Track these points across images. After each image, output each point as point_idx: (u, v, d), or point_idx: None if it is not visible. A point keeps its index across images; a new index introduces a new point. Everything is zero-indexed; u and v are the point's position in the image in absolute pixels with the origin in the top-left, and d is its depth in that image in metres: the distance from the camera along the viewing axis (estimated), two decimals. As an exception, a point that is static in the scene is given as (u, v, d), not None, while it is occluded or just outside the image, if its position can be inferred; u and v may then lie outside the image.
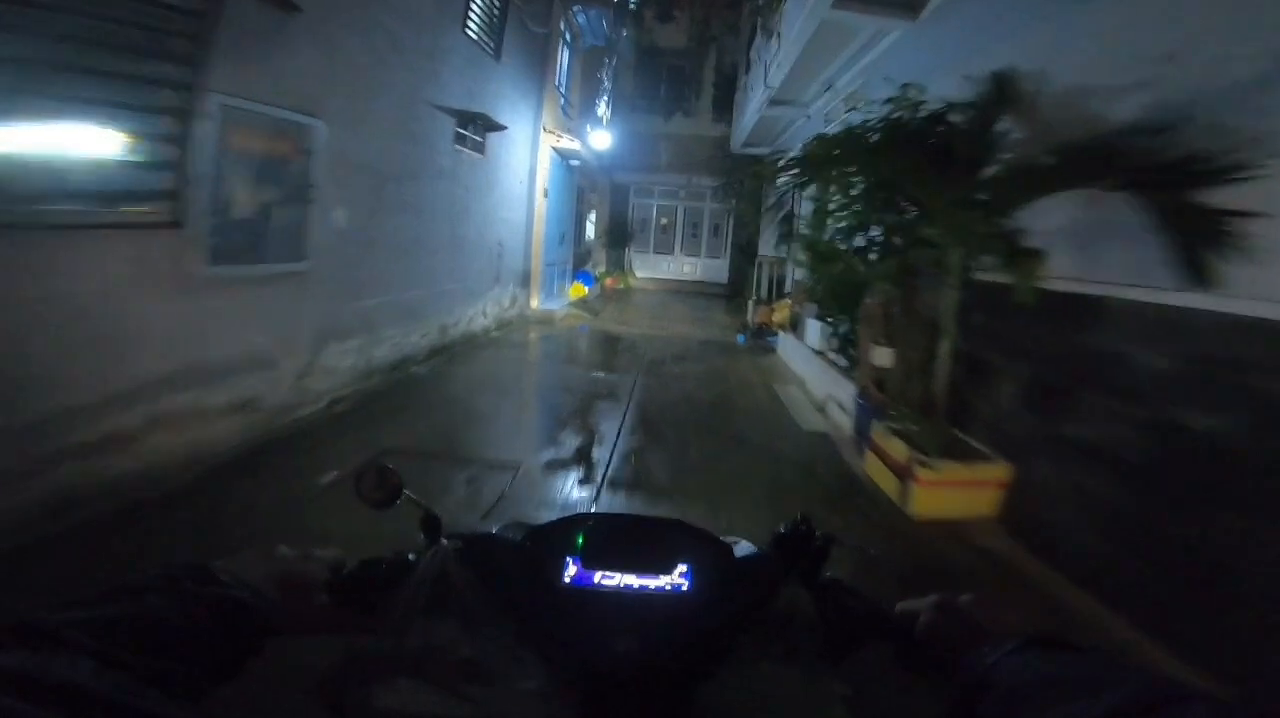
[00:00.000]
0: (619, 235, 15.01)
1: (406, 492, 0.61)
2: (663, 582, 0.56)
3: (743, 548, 0.62)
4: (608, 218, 15.09)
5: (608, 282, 14.19)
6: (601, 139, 11.29)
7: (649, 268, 15.73)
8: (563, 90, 9.82)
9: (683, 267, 15.80)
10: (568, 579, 0.56)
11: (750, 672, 0.55)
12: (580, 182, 11.88)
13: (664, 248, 15.82)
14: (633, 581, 0.56)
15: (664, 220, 15.77)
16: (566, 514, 0.61)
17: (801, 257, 4.30)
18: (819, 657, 0.57)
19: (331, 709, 0.49)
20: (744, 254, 13.48)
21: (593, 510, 1.00)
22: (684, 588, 0.56)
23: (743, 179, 11.35)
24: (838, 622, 0.59)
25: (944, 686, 0.49)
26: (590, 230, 14.48)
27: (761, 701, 0.55)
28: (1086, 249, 2.53)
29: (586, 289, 11.12)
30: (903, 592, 0.61)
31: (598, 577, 0.56)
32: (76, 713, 0.31)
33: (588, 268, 12.31)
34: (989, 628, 0.52)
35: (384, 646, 0.51)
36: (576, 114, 10.84)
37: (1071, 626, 2.14)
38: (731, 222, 15.27)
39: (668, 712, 0.54)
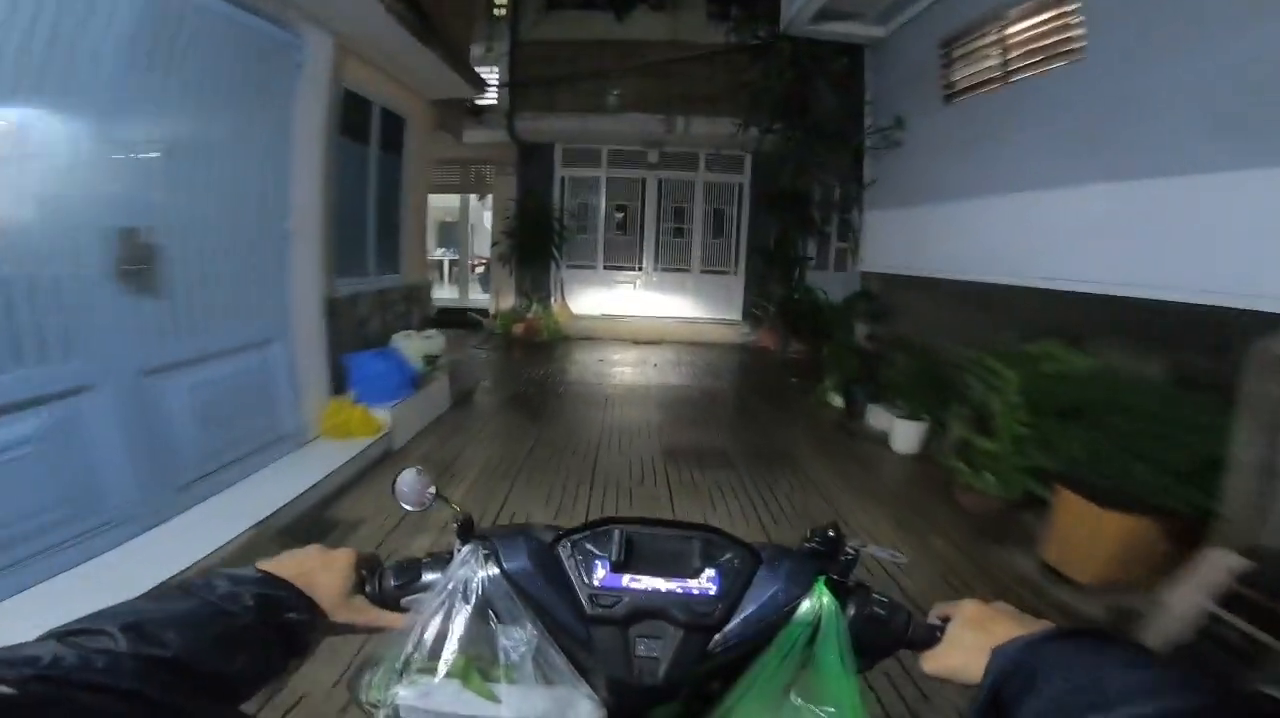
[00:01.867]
0: (535, 241, 9.02)
1: (440, 494, 0.70)
2: (691, 586, 0.63)
3: (772, 554, 0.67)
4: (512, 208, 9.19)
5: (518, 328, 8.36)
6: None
7: (594, 297, 10.07)
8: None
9: (658, 295, 10.12)
10: (597, 582, 0.62)
11: (777, 678, 0.60)
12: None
13: (621, 258, 10.08)
14: (661, 585, 0.62)
15: (619, 208, 9.96)
16: (597, 518, 0.65)
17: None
18: (846, 664, 0.60)
19: (364, 708, 0.57)
20: (780, 265, 7.94)
21: (624, 514, 1.04)
22: (711, 593, 0.62)
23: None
24: (867, 628, 0.64)
25: (975, 683, 0.53)
26: (477, 235, 8.62)
27: (787, 707, 0.59)
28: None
29: (377, 411, 3.95)
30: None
31: (626, 580, 0.62)
32: (124, 714, 0.38)
33: (401, 338, 4.79)
34: (1011, 626, 0.56)
35: (417, 645, 0.57)
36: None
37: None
38: (745, 205, 9.66)
39: (695, 716, 0.62)
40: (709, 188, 9.79)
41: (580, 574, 0.63)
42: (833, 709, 0.58)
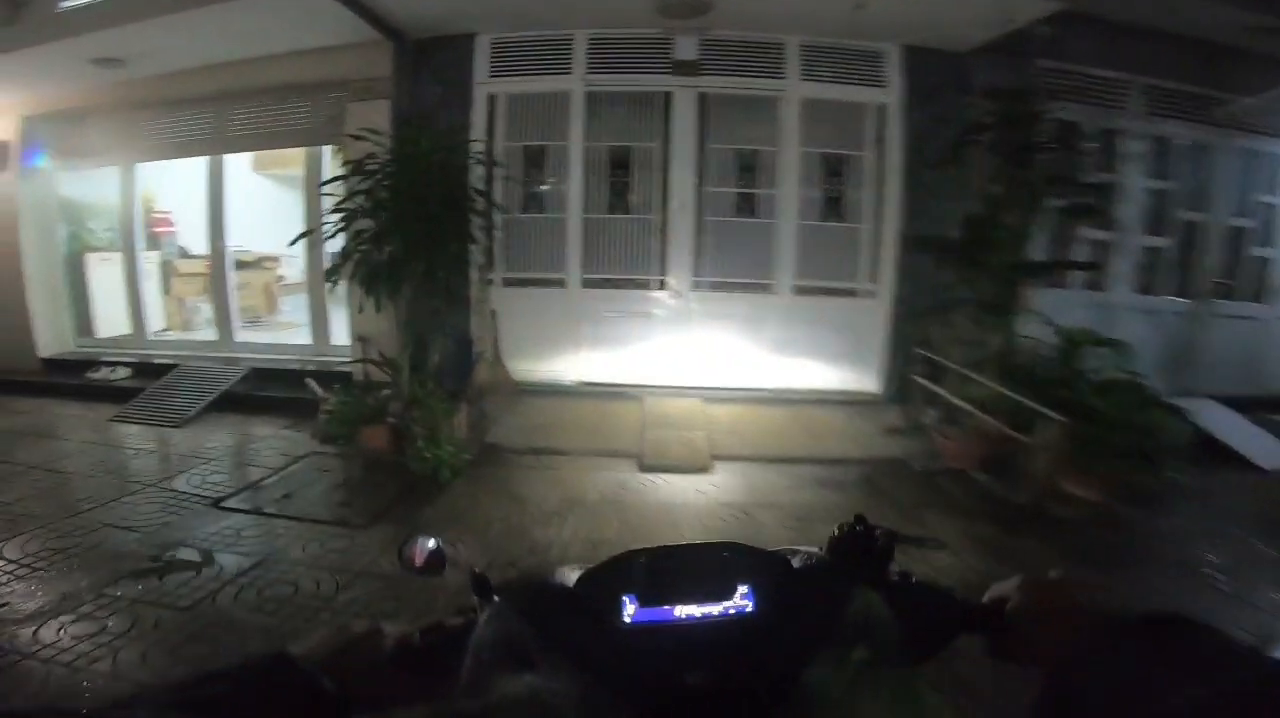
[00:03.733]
0: (423, 226, 4.38)
1: (450, 554, 0.76)
2: (726, 607, 0.67)
3: (801, 558, 0.74)
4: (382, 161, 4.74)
5: (372, 435, 3.96)
6: None
7: (562, 345, 5.58)
8: None
9: (699, 338, 5.53)
10: (628, 618, 0.66)
11: (828, 685, 0.63)
12: None
13: (620, 264, 5.55)
14: (695, 610, 0.66)
15: (616, 161, 5.45)
16: (615, 554, 0.69)
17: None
18: (901, 659, 0.64)
19: None
20: (986, 277, 3.57)
21: (641, 547, 0.72)
22: (748, 610, 0.67)
23: None
24: (916, 619, 0.68)
25: (1040, 673, 0.55)
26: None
27: (844, 712, 0.61)
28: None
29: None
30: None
31: (659, 611, 0.66)
32: None
33: None
34: (1085, 606, 0.59)
35: (460, 709, 0.61)
36: None
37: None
38: (895, 151, 5.10)
39: None
40: (812, 114, 5.24)
41: (610, 613, 0.65)
42: (895, 708, 0.61)
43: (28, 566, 2.88)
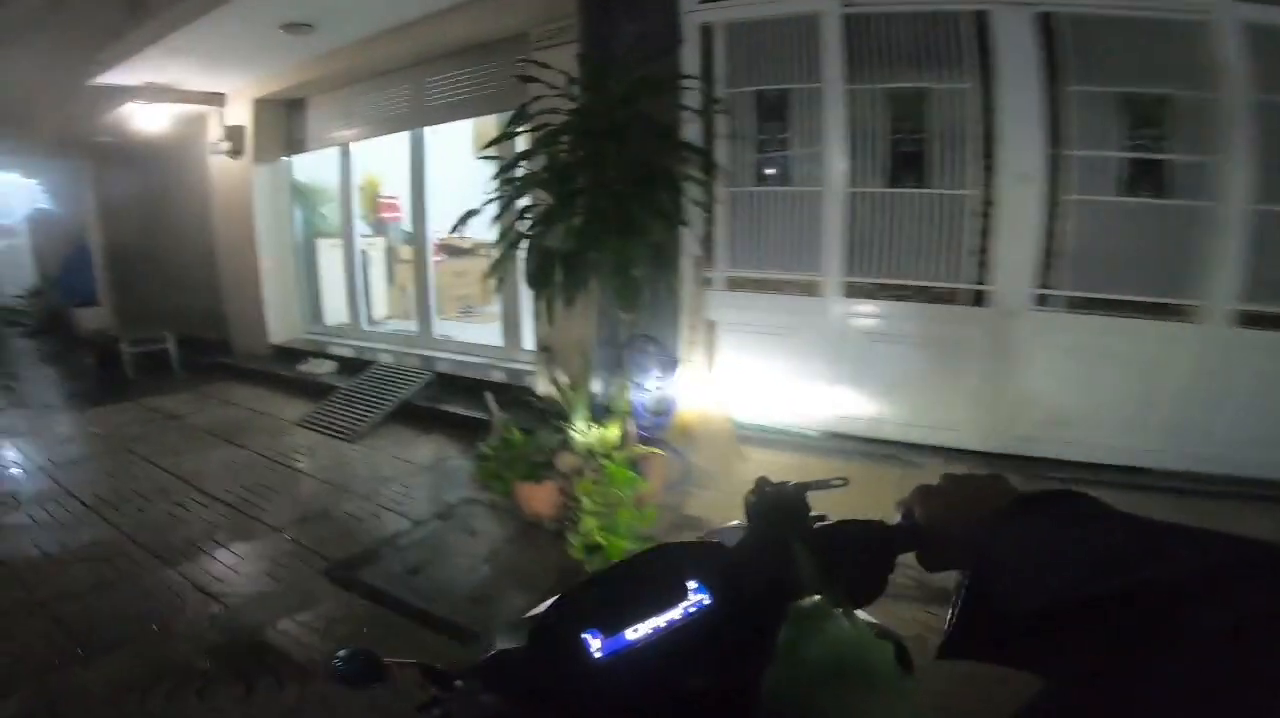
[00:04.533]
0: (614, 206, 3.30)
1: (390, 660, 0.73)
2: (686, 607, 0.69)
3: (729, 534, 0.78)
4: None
5: (533, 495, 3.00)
6: None
7: (809, 383, 4.00)
8: None
9: (1050, 396, 3.51)
10: (598, 654, 0.66)
11: (799, 646, 0.68)
12: None
13: (915, 263, 3.70)
14: (659, 621, 0.68)
15: (900, 118, 3.74)
16: (554, 598, 0.72)
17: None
18: (848, 601, 0.70)
19: None
20: None
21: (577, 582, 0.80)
22: (706, 603, 0.70)
23: None
24: (852, 559, 0.72)
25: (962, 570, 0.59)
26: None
27: (822, 672, 0.67)
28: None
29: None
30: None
31: (626, 636, 0.67)
32: None
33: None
34: (978, 501, 0.64)
35: None
36: None
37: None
38: None
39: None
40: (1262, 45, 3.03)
41: (576, 656, 0.66)
42: (859, 650, 0.66)
43: None
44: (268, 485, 3.91)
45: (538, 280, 3.20)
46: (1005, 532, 0.55)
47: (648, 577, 0.72)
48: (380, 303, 7.62)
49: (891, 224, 3.68)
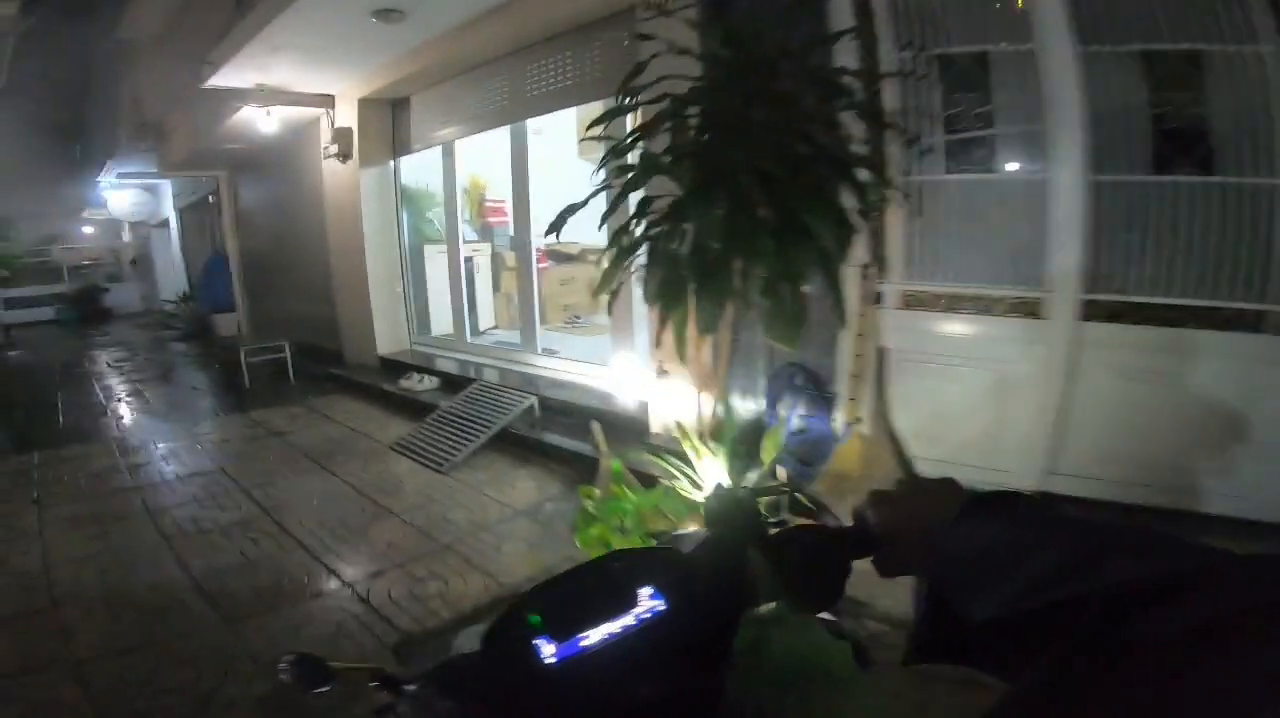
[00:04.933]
0: (757, 204, 2.52)
1: (337, 665, 0.76)
2: (640, 613, 0.67)
3: (688, 541, 0.80)
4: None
5: None
6: None
7: (1018, 429, 2.94)
8: None
9: None
10: (550, 660, 0.65)
11: (757, 649, 0.71)
12: None
13: (1189, 275, 2.61)
14: (612, 627, 0.66)
15: (1163, 87, 2.64)
16: (507, 603, 0.73)
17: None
18: (803, 607, 0.70)
19: None
20: None
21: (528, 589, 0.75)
22: (661, 608, 0.68)
23: None
24: (810, 562, 0.72)
25: (918, 577, 0.61)
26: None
27: (781, 674, 0.69)
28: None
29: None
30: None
31: (579, 642, 0.66)
32: None
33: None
34: (930, 506, 0.64)
35: None
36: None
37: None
38: None
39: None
40: None
41: (529, 662, 0.65)
42: (817, 653, 0.68)
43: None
44: (350, 526, 3.45)
45: (663, 298, 2.48)
46: (957, 538, 0.56)
47: (601, 583, 0.70)
48: (486, 313, 7.28)
49: (1148, 224, 2.59)
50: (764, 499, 0.80)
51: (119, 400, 6.86)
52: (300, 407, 5.93)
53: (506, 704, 0.64)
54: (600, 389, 4.69)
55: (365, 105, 6.32)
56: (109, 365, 9.58)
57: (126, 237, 18.99)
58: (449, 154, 6.11)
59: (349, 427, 5.21)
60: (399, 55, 5.35)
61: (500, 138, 5.40)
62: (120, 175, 13.31)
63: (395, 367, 6.38)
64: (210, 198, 11.31)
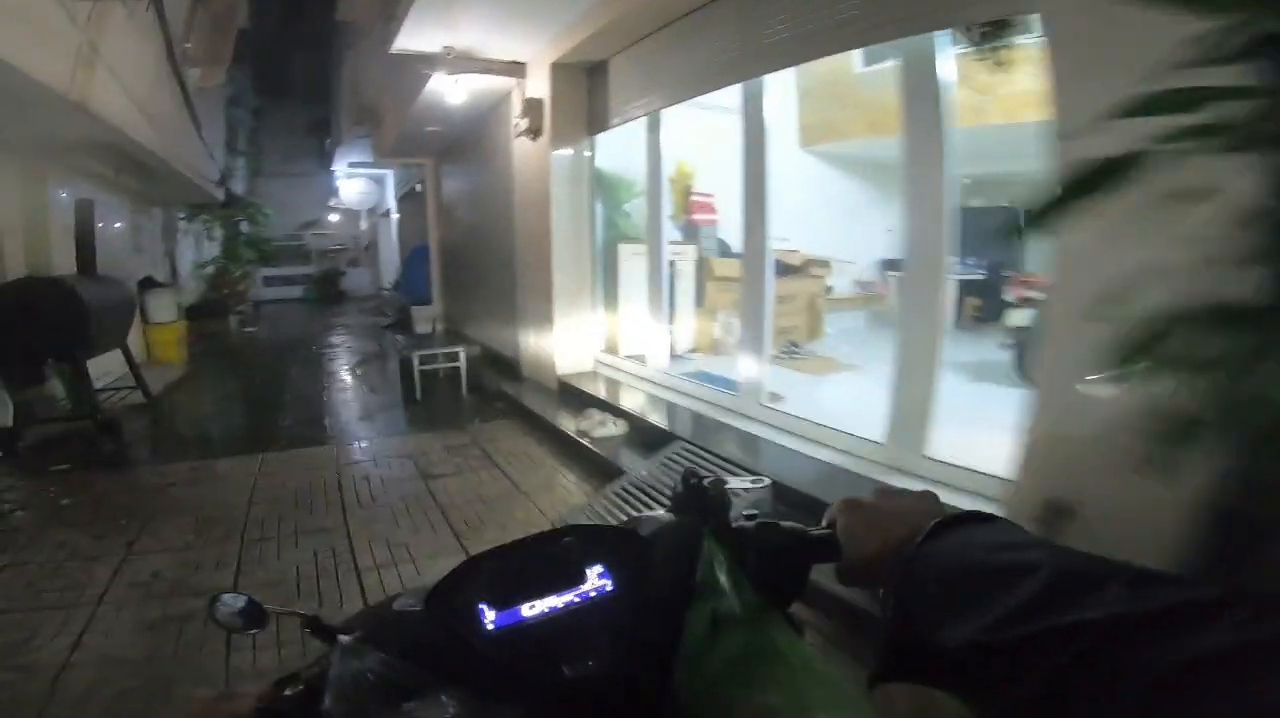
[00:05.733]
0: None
1: (271, 608, 0.75)
2: (586, 590, 0.67)
3: (649, 523, 0.75)
4: None
5: None
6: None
7: None
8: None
9: None
10: (490, 626, 0.65)
11: (706, 645, 0.66)
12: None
13: None
14: (556, 602, 0.66)
15: None
16: (456, 564, 0.70)
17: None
18: (760, 603, 0.67)
19: None
20: None
21: (482, 550, 0.69)
22: (609, 588, 0.67)
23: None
24: (769, 560, 0.70)
25: (883, 593, 0.58)
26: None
27: (731, 671, 0.65)
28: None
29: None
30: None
31: (521, 612, 0.65)
32: None
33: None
34: (899, 518, 0.62)
35: None
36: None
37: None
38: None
39: (642, 715, 0.66)
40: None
41: (470, 624, 0.65)
42: (767, 654, 0.63)
43: None
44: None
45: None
46: (927, 558, 0.54)
47: (550, 555, 0.69)
48: (686, 331, 5.85)
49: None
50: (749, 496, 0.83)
51: (283, 404, 6.55)
52: (464, 434, 4.93)
53: (442, 663, 0.62)
54: (871, 479, 2.96)
55: (558, 72, 5.13)
56: (316, 350, 9.80)
57: (363, 225, 20.71)
58: (654, 127, 4.71)
59: (510, 478, 4.02)
60: (596, 4, 4.05)
61: (708, 117, 3.86)
62: (351, 165, 14.08)
63: (575, 395, 5.16)
64: (418, 187, 11.27)
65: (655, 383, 4.92)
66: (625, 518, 1.03)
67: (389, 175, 14.59)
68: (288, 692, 0.64)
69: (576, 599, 0.66)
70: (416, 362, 6.06)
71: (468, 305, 8.78)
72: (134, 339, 8.47)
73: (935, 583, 0.52)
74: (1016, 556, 0.48)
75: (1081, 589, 0.42)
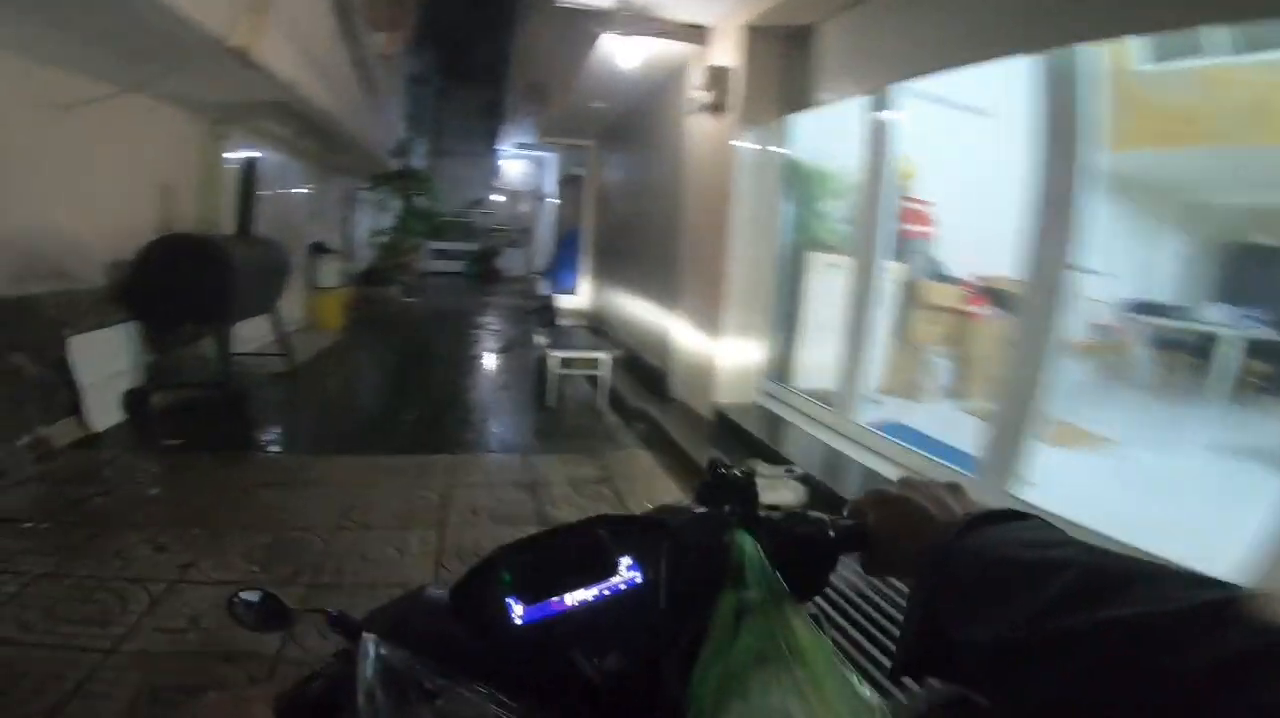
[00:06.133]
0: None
1: (294, 606, 0.74)
2: (614, 583, 0.65)
3: (674, 515, 0.73)
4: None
5: None
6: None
7: None
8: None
9: None
10: (519, 620, 0.63)
11: (730, 638, 0.64)
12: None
13: None
14: (584, 594, 0.64)
15: None
16: (480, 558, 0.67)
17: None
18: (785, 596, 0.65)
19: None
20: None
21: (506, 544, 0.66)
22: (638, 580, 0.66)
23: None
24: (794, 551, 0.69)
25: (910, 584, 0.59)
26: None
27: (754, 661, 0.63)
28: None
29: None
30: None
31: (550, 605, 0.64)
32: None
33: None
34: (933, 511, 0.63)
35: None
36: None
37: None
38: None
39: (673, 708, 0.64)
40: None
41: (497, 618, 0.63)
42: (789, 647, 0.62)
43: None
44: None
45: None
46: (961, 552, 0.54)
47: (579, 547, 0.67)
48: (877, 366, 4.66)
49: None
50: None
51: (412, 390, 6.14)
52: (594, 463, 4.15)
53: (468, 658, 0.62)
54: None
55: (754, 36, 4.13)
56: (461, 328, 9.63)
57: (523, 207, 21.07)
58: (880, 104, 3.59)
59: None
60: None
61: (938, 112, 2.69)
62: (516, 146, 14.05)
63: (735, 434, 4.17)
64: (578, 170, 10.82)
65: (841, 433, 3.82)
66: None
67: (550, 159, 14.42)
68: (308, 689, 0.63)
69: (606, 592, 0.65)
70: (553, 363, 5.39)
71: (611, 297, 8.11)
72: (298, 302, 8.80)
73: (966, 578, 0.51)
74: (1048, 553, 0.48)
75: (1108, 588, 0.42)
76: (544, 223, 16.96)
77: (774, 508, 0.73)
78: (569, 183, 12.73)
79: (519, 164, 16.27)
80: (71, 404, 3.99)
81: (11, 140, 3.59)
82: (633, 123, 7.15)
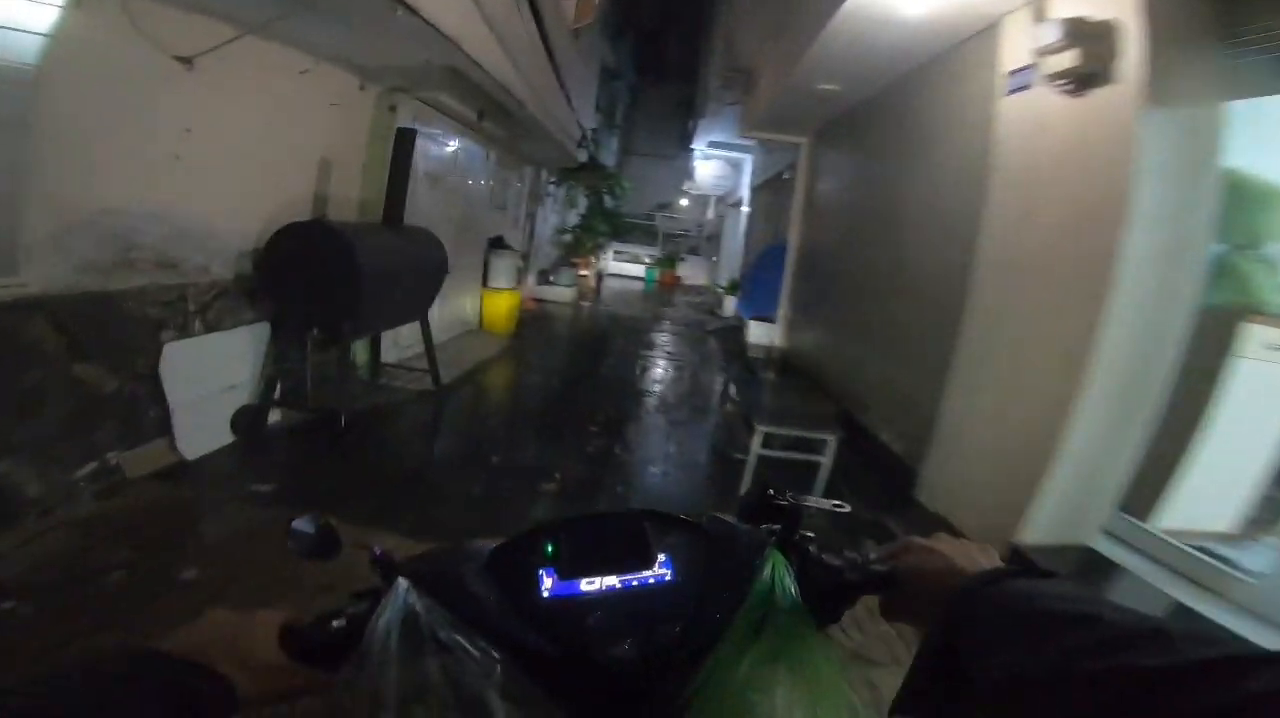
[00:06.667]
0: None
1: (347, 541, 0.70)
2: (646, 576, 0.68)
3: (715, 524, 0.76)
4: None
5: None
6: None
7: None
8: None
9: None
10: (546, 593, 0.66)
11: (744, 652, 0.65)
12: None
13: None
14: (614, 581, 0.67)
15: None
16: (527, 527, 0.69)
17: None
18: (804, 621, 0.67)
19: None
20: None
21: (555, 518, 0.72)
22: (668, 578, 0.69)
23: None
24: (821, 582, 0.71)
25: (928, 627, 0.59)
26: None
27: (759, 677, 0.64)
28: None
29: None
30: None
31: (577, 584, 0.67)
32: None
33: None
34: (963, 564, 0.64)
35: (364, 698, 0.57)
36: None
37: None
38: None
39: (671, 708, 0.65)
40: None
41: (527, 588, 0.65)
42: (802, 669, 0.63)
43: None
44: None
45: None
46: (986, 594, 0.54)
47: (618, 535, 0.70)
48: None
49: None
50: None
51: (565, 438, 4.86)
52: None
53: (491, 621, 0.62)
54: None
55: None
56: (635, 349, 8.44)
57: (710, 213, 19.78)
58: None
59: None
60: None
61: None
62: (710, 145, 12.72)
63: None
64: (785, 174, 9.15)
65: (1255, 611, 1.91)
66: None
67: (746, 161, 12.90)
68: (333, 624, 0.63)
69: (636, 583, 0.67)
70: (753, 437, 3.79)
71: (825, 337, 6.36)
72: (470, 303, 8.15)
73: (993, 618, 0.52)
74: (1078, 606, 0.48)
75: (1138, 640, 0.42)
76: (734, 232, 15.48)
77: (809, 536, 0.73)
78: (767, 188, 11.14)
79: (710, 165, 14.93)
80: (163, 424, 3.23)
81: (109, 93, 2.83)
82: (878, 111, 5.39)
